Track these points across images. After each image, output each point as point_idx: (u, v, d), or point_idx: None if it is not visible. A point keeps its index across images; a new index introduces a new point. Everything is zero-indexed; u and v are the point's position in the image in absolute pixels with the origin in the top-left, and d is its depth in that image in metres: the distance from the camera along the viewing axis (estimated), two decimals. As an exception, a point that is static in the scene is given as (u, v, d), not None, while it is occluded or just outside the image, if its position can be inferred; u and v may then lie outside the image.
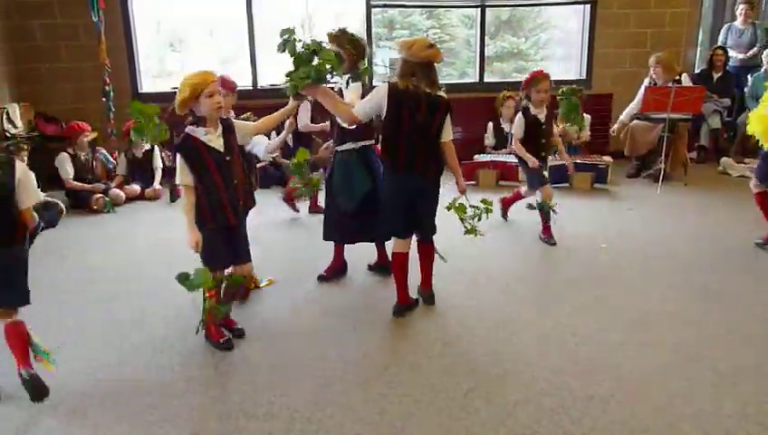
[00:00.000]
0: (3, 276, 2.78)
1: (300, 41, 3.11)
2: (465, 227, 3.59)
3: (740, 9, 7.78)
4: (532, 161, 4.71)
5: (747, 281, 4.04)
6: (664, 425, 2.55)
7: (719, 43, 7.93)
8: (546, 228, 4.82)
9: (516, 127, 4.80)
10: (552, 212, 4.77)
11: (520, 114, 4.77)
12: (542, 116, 4.73)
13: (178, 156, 3.02)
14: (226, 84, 4.02)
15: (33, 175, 2.83)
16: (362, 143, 3.85)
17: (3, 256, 2.76)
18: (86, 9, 6.50)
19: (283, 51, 3.14)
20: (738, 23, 7.83)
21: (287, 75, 3.16)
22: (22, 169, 2.78)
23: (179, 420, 2.65)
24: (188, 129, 3.08)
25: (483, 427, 2.56)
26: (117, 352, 3.23)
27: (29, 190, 2.78)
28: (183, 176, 3.04)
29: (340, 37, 3.72)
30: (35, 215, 2.88)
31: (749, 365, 2.99)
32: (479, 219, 3.57)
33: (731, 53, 7.87)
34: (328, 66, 3.11)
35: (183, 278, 2.97)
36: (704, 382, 2.85)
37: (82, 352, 3.24)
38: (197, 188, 3.06)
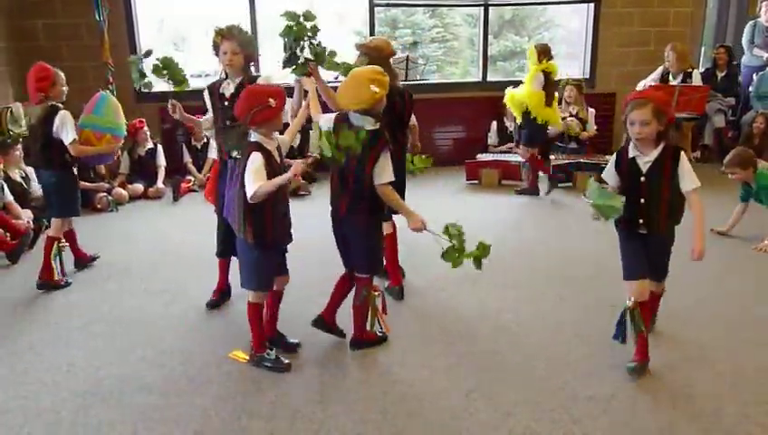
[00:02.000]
0: (51, 191, 4.04)
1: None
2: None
3: (763, 7, 7.61)
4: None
5: (748, 281, 4.04)
6: (664, 425, 2.56)
7: (745, 43, 7.79)
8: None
9: (605, 171, 3.06)
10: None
11: (615, 154, 3.08)
12: (643, 161, 2.89)
13: (386, 155, 2.88)
14: None
15: (70, 118, 3.87)
16: None
17: (50, 176, 3.99)
18: (88, 8, 6.51)
19: (289, 37, 3.22)
20: (763, 20, 7.63)
21: (290, 62, 3.23)
22: (60, 116, 3.84)
23: (182, 419, 2.66)
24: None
25: (483, 427, 2.57)
26: (119, 351, 3.25)
27: (66, 131, 3.85)
28: (390, 174, 2.91)
29: (244, 38, 3.66)
30: (83, 148, 3.91)
31: (749, 365, 3.00)
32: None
33: (758, 52, 7.65)
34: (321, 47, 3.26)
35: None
36: (704, 382, 2.86)
37: (85, 351, 3.25)
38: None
